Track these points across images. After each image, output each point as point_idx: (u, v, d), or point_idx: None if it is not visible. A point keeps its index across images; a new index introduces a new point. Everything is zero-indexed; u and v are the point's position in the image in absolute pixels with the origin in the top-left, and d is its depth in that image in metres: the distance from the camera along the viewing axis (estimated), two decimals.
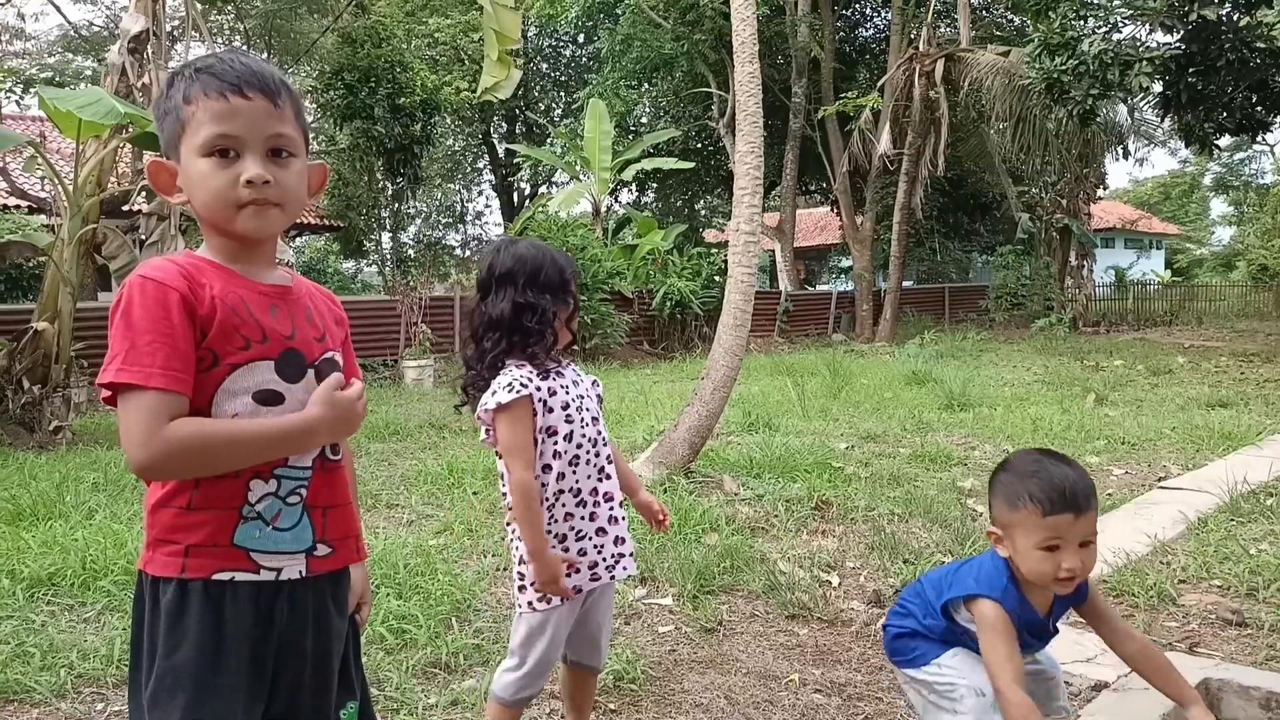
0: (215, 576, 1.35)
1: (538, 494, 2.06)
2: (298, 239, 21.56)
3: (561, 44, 29.14)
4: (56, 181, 8.06)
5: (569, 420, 2.11)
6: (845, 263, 29.93)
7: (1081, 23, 12.83)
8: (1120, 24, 13.14)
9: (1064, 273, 22.46)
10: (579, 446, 2.13)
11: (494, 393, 2.05)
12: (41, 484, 5.66)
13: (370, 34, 17.80)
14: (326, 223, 19.65)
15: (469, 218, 35.64)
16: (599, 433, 2.20)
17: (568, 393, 2.13)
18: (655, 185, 26.64)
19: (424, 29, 21.74)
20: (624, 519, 2.23)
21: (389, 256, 20.75)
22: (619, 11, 21.85)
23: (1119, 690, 2.71)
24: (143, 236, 8.55)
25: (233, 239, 1.44)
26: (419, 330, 13.71)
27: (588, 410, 2.18)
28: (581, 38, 27.58)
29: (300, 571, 1.41)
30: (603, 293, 15.08)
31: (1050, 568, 1.83)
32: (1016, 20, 21.40)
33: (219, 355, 1.36)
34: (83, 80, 24.30)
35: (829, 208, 26.92)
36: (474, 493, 5.28)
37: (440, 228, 33.78)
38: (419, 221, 30.01)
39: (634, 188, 26.39)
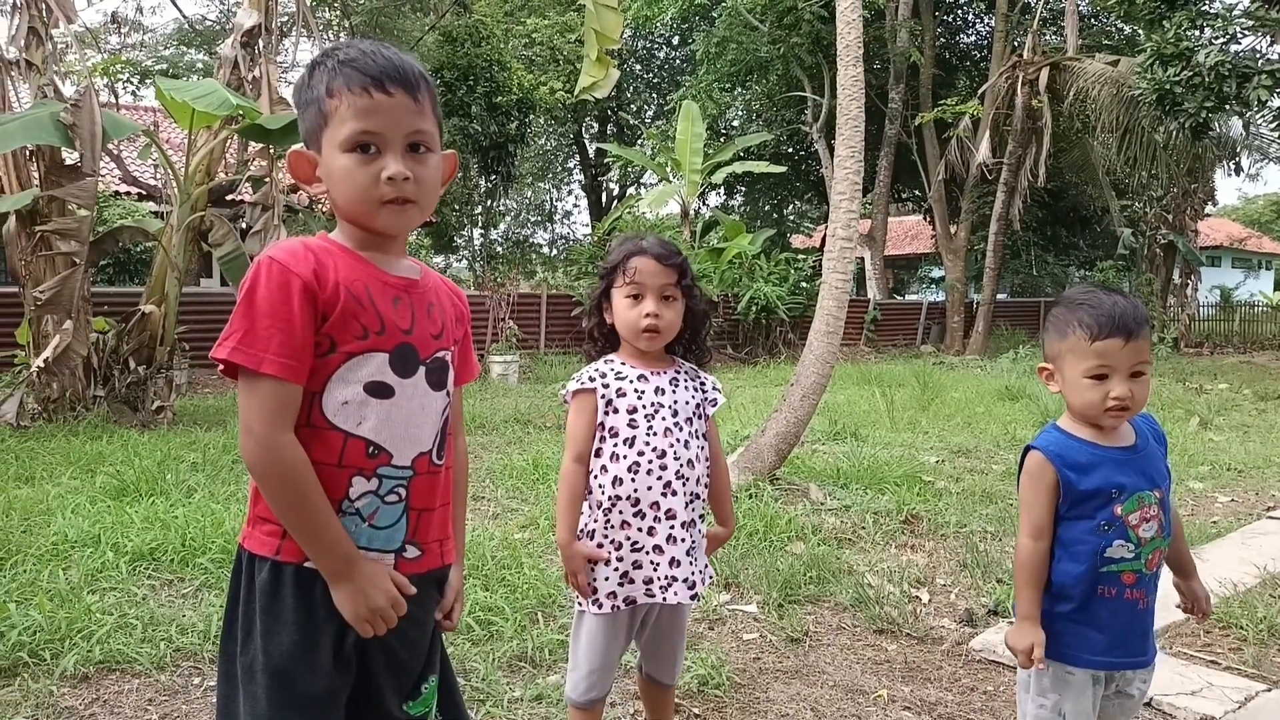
0: (307, 564, 1.36)
1: (578, 486, 2.07)
2: None
3: (656, 45, 29.24)
4: (168, 169, 8.43)
5: (633, 425, 2.05)
6: (936, 273, 29.29)
7: (1197, 33, 12.29)
8: (1239, 35, 12.55)
9: (1166, 291, 21.55)
10: (640, 454, 2.04)
11: (572, 380, 2.13)
12: (144, 461, 5.92)
13: (470, 33, 18.14)
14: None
15: (558, 217, 36.11)
16: (672, 445, 2.06)
17: (641, 397, 2.07)
18: (744, 189, 26.51)
19: (522, 29, 22.07)
20: (687, 540, 2.08)
21: (479, 253, 21.12)
22: (715, 14, 21.82)
23: None
24: (246, 225, 8.89)
25: (370, 232, 1.44)
26: (506, 326, 13.92)
27: (664, 420, 2.07)
28: (676, 39, 27.63)
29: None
30: None
31: (1099, 396, 1.74)
32: (1127, 29, 20.60)
33: (336, 342, 1.36)
34: (195, 73, 25.37)
35: (922, 216, 26.40)
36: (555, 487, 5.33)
37: (529, 226, 34.29)
38: (509, 219, 30.52)
39: (723, 191, 26.30)
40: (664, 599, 2.06)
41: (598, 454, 2.07)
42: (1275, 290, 36.77)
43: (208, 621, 3.15)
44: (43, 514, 4.45)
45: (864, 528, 4.57)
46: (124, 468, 5.71)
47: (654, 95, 29.69)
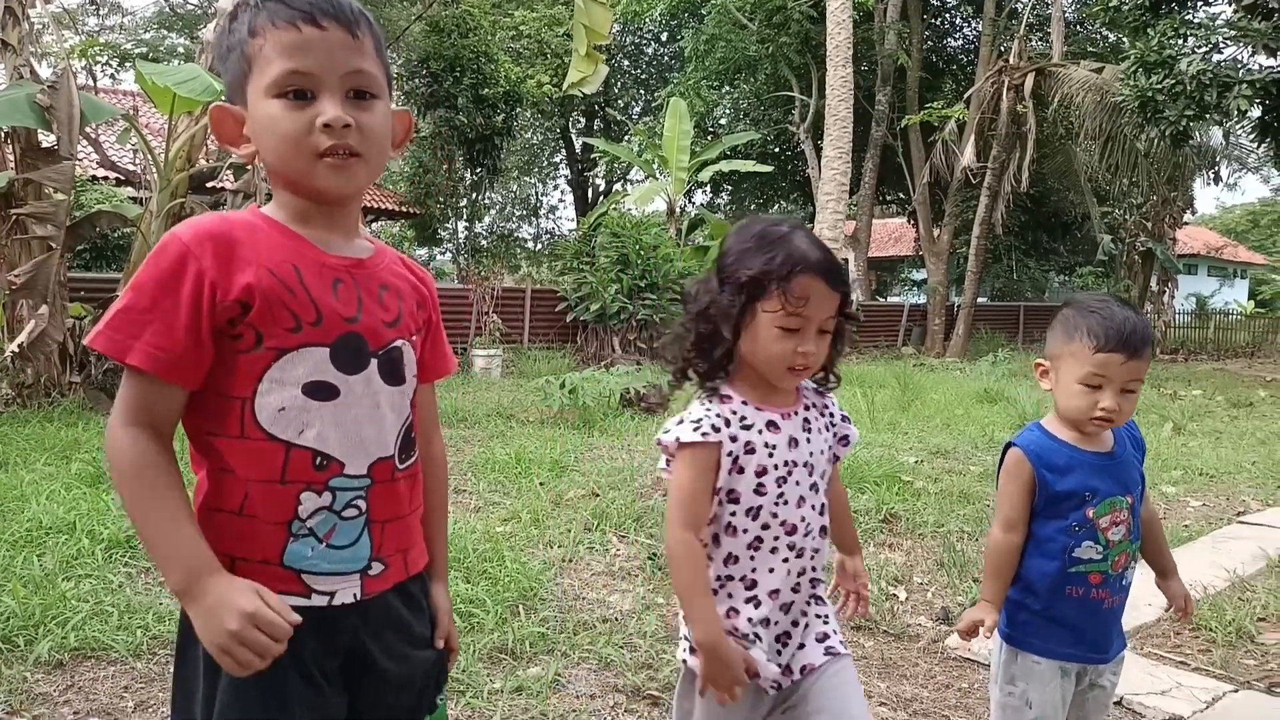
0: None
1: (698, 558, 1.55)
2: (374, 223, 22.02)
3: (644, 41, 29.23)
4: (148, 155, 8.35)
5: (760, 491, 1.57)
6: (918, 275, 29.46)
7: (1181, 41, 12.45)
8: (1221, 45, 12.71)
9: (1144, 297, 21.78)
10: (765, 528, 1.58)
11: (681, 421, 1.58)
12: None
13: (457, 24, 18.05)
14: (404, 209, 20.05)
15: (543, 211, 36.04)
16: (804, 517, 1.60)
17: (773, 454, 1.57)
18: (729, 188, 26.56)
19: (509, 21, 21.98)
20: (823, 616, 1.68)
21: (464, 246, 21.05)
22: (704, 11, 21.82)
23: None
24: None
25: (308, 196, 1.23)
26: (490, 320, 13.88)
27: (798, 484, 1.59)
28: (665, 36, 27.63)
29: (355, 595, 1.22)
30: (673, 293, 15.04)
31: (1087, 404, 1.79)
32: (1112, 37, 20.80)
33: (262, 335, 1.16)
34: (175, 57, 25.13)
35: (905, 219, 26.53)
36: (540, 483, 5.34)
37: (514, 220, 34.21)
38: (493, 212, 30.43)
39: (708, 189, 26.34)
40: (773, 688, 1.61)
41: (714, 522, 1.59)
42: (1249, 299, 37.24)
43: None
44: (16, 500, 4.40)
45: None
46: (99, 455, 5.66)
47: (641, 91, 29.70)
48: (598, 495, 5.07)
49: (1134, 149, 16.00)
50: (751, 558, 1.59)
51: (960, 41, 25.41)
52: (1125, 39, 14.50)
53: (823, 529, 1.65)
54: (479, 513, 4.79)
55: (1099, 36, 22.56)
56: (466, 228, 21.10)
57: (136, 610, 3.16)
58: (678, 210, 18.41)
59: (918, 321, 20.88)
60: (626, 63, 29.42)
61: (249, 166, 8.64)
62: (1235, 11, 12.29)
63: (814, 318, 1.54)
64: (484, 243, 23.05)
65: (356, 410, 1.22)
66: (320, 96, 1.19)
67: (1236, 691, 2.87)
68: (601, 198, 27.72)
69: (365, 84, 1.22)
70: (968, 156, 17.61)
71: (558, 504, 4.90)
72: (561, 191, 35.79)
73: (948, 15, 24.84)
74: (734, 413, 1.58)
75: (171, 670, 1.29)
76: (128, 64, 24.50)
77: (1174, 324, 22.96)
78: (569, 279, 15.12)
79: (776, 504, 1.58)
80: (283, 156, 1.20)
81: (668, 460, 1.61)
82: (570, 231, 31.68)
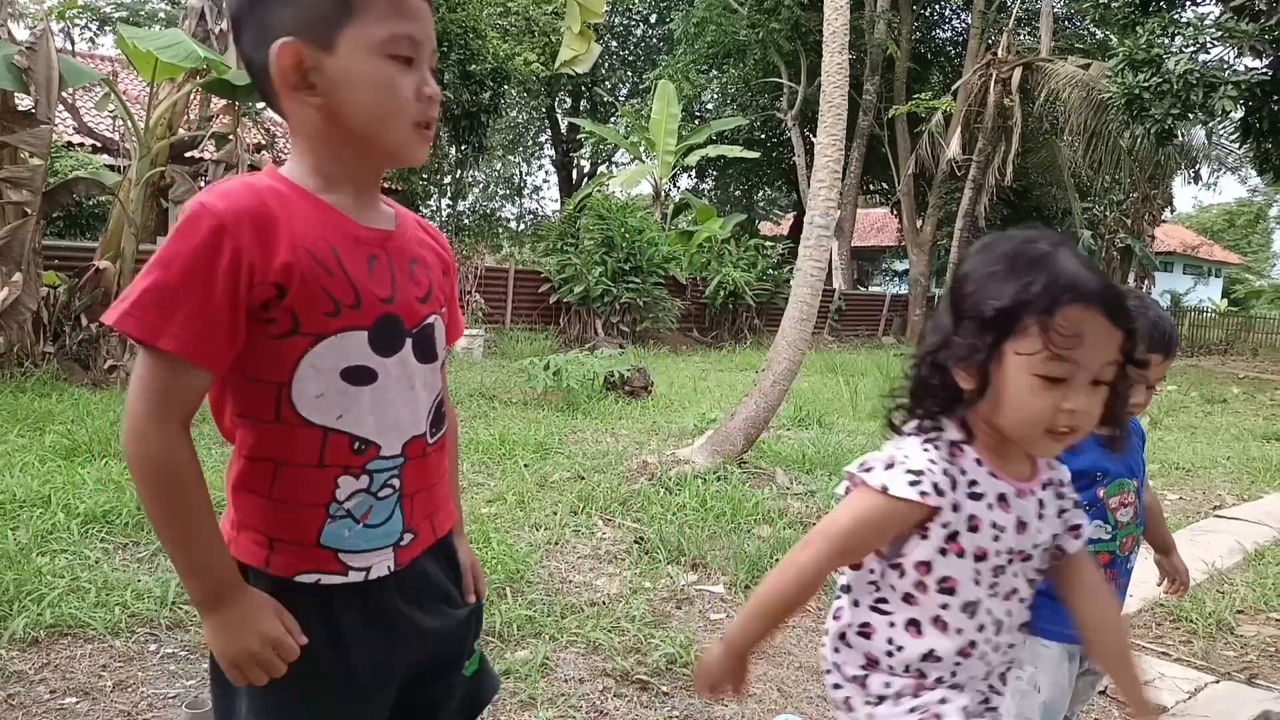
0: (297, 579, 1.15)
1: (807, 594, 1.32)
2: None
3: (633, 22, 29.04)
4: (128, 121, 8.19)
5: (977, 580, 1.28)
6: (900, 266, 29.58)
7: (1169, 40, 12.51)
8: (1209, 45, 12.78)
9: None
10: (980, 629, 1.30)
11: (892, 465, 1.26)
12: (97, 421, 5.78)
13: None
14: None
15: (527, 191, 35.81)
16: (1009, 612, 1.33)
17: (999, 538, 1.27)
18: (715, 173, 26.49)
19: None
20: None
21: (447, 224, 20.86)
22: None
23: (1177, 716, 2.67)
24: (209, 183, 8.68)
25: (380, 162, 1.20)
26: (472, 300, 13.79)
27: (1014, 575, 1.31)
28: (654, 18, 27.45)
29: (389, 567, 1.21)
30: (657, 276, 15.05)
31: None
32: (1100, 34, 20.87)
33: (299, 321, 1.10)
34: (157, 22, 24.66)
35: (889, 209, 26.59)
36: (525, 465, 5.30)
37: (498, 199, 33.97)
38: (477, 191, 30.19)
39: (694, 174, 26.26)
40: None
41: (909, 600, 1.30)
42: (1223, 298, 37.70)
43: (165, 587, 3.07)
44: None
45: (828, 513, 4.59)
46: (75, 427, 5.56)
47: (629, 73, 29.53)
48: (583, 479, 5.05)
49: (1117, 146, 16.10)
50: (958, 663, 1.30)
51: (949, 33, 25.45)
52: (1113, 36, 14.56)
53: (1023, 624, 1.38)
54: (463, 494, 4.74)
55: (1087, 33, 22.63)
56: (450, 205, 20.91)
57: (114, 586, 3.10)
58: (664, 194, 18.36)
59: (899, 312, 20.98)
60: (615, 44, 29.22)
61: (231, 136, 8.51)
62: (1223, 12, 12.36)
63: (1086, 363, 1.18)
64: (467, 221, 22.87)
65: (393, 392, 1.19)
66: (419, 66, 1.15)
67: (1218, 682, 2.90)
68: (586, 179, 27.58)
69: (434, 61, 1.20)
70: (953, 148, 17.66)
71: (543, 486, 4.87)
72: (546, 172, 35.66)
73: (937, 7, 24.84)
74: (964, 473, 1.26)
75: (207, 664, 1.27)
76: (107, 27, 24.03)
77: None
78: (553, 260, 15.06)
79: (990, 595, 1.30)
80: (383, 118, 1.13)
81: (847, 489, 1.32)
82: (554, 212, 31.52)
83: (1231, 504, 5.65)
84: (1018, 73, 17.30)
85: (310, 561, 1.16)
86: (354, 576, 1.18)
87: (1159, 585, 2.15)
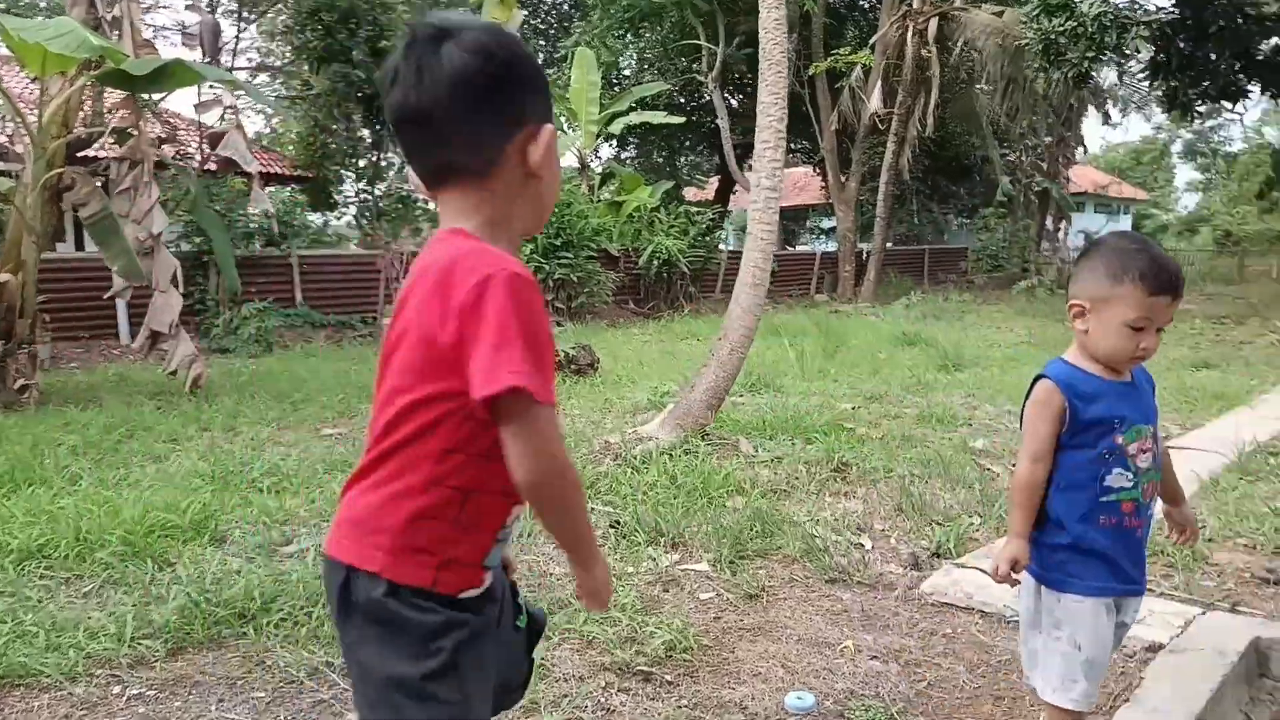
0: (461, 595, 1.29)
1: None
2: (267, 187, 20.99)
3: None
4: (18, 121, 7.67)
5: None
6: (826, 223, 29.84)
7: None
8: None
9: (1041, 235, 22.57)
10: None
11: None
12: (14, 446, 5.42)
13: None
14: (296, 173, 19.07)
15: None
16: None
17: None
18: (636, 140, 26.22)
19: None
20: None
21: (369, 207, 20.24)
22: None
23: (1174, 651, 2.68)
24: (110, 182, 8.17)
25: (526, 236, 1.41)
26: (400, 287, 13.43)
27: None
28: None
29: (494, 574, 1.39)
30: (589, 250, 14.85)
31: (1132, 345, 1.80)
32: None
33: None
34: (39, 12, 23.26)
35: (812, 168, 26.72)
36: None
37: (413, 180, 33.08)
38: (392, 174, 29.37)
39: (614, 143, 25.97)
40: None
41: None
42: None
43: (121, 624, 2.85)
44: None
45: (798, 478, 4.55)
46: None
47: (543, 41, 28.95)
48: None
49: (1033, 91, 16.40)
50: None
51: None
52: None
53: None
54: None
55: None
56: (366, 191, 20.29)
57: (64, 627, 2.86)
58: (588, 165, 18.10)
59: (829, 269, 21.15)
60: (526, 12, 28.60)
61: (133, 131, 8.03)
62: None
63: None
64: (384, 205, 22.20)
65: None
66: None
67: (1204, 613, 2.93)
68: None
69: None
70: (874, 102, 17.78)
71: None
72: None
73: None
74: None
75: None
76: None
77: (1068, 260, 23.83)
78: None
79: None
80: (553, 200, 1.38)
81: None
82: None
83: (1178, 434, 5.79)
84: (934, 23, 17.44)
85: (473, 579, 1.30)
86: (484, 586, 1.34)
87: (1166, 536, 2.12)
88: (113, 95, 8.54)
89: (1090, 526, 1.82)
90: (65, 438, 5.79)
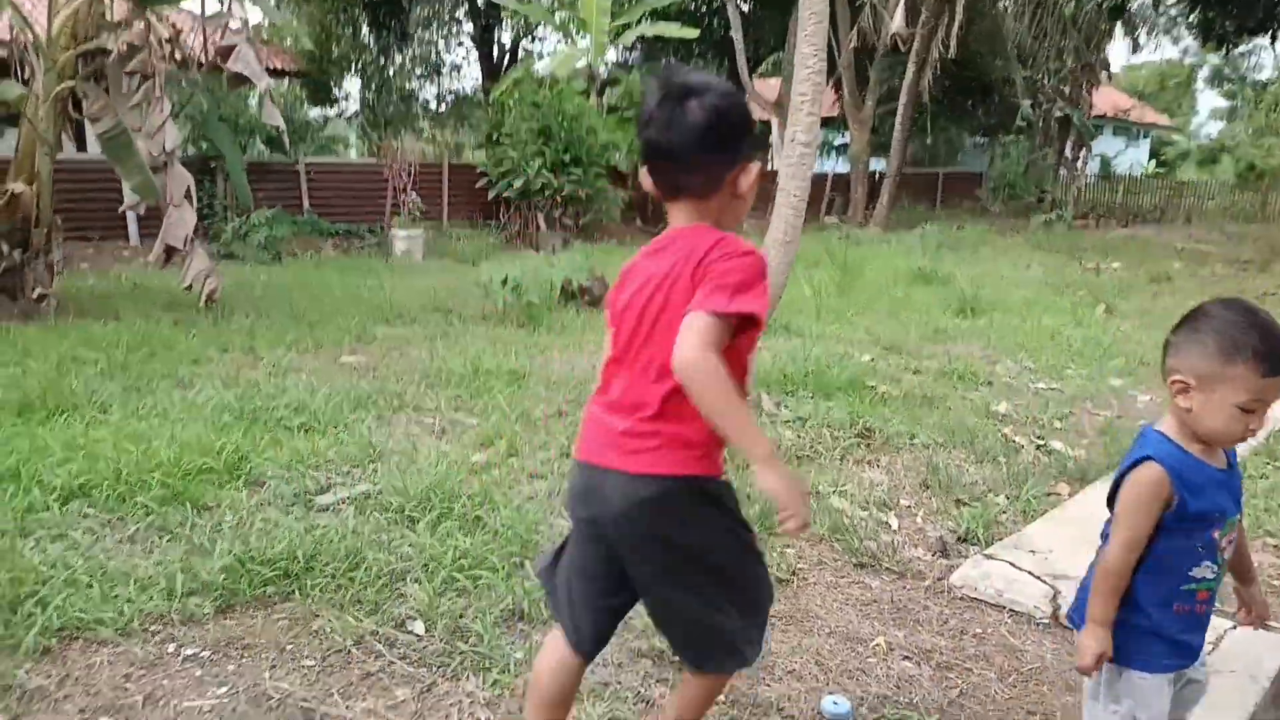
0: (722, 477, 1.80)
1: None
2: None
3: None
4: (27, 31, 7.41)
5: None
6: (837, 141, 29.23)
7: None
8: None
9: (1060, 162, 22.18)
10: None
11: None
12: (40, 364, 5.44)
13: None
14: (297, 70, 18.55)
15: (445, 70, 33.97)
16: None
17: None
18: (642, 48, 25.43)
19: None
20: None
21: (370, 109, 19.77)
22: None
23: (1210, 670, 2.72)
24: (122, 95, 7.93)
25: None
26: (408, 199, 13.23)
27: None
28: None
29: None
30: (599, 167, 14.59)
31: (1241, 427, 1.71)
32: None
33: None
34: None
35: (830, 85, 26.01)
36: (502, 397, 5.15)
37: (415, 79, 32.23)
38: (393, 73, 28.54)
39: (620, 49, 25.19)
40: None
41: None
42: (1150, 159, 38.30)
43: (171, 578, 2.90)
44: None
45: (821, 443, 4.58)
46: (16, 371, 5.23)
47: None
48: (564, 414, 4.93)
49: (1061, 15, 15.86)
50: None
51: None
52: None
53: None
54: (445, 436, 4.60)
55: None
56: (374, 94, 19.77)
57: (113, 577, 2.91)
58: (599, 77, 17.60)
59: (841, 191, 20.85)
60: None
61: (143, 45, 7.76)
62: None
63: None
64: (390, 109, 21.64)
65: None
66: None
67: (1235, 629, 2.95)
68: (508, 56, 26.32)
69: None
70: (896, 22, 17.21)
71: (526, 423, 4.75)
72: (465, 49, 33.75)
73: None
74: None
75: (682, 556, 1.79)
76: None
77: (1086, 188, 23.49)
78: (487, 154, 14.44)
79: None
80: (747, 210, 1.82)
81: None
82: (474, 90, 30.06)
83: None
84: None
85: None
86: None
87: (1235, 614, 2.06)
88: (121, 6, 8.23)
89: (1166, 613, 1.79)
90: (89, 355, 5.81)
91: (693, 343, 1.56)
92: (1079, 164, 23.05)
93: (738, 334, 1.64)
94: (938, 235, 15.26)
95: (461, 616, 2.80)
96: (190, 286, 7.85)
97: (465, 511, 3.46)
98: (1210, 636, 2.85)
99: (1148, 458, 1.75)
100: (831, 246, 13.22)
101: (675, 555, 1.79)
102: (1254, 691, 2.56)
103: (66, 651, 2.60)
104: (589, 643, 1.95)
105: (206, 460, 3.82)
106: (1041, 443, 4.86)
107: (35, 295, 7.47)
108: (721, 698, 2.50)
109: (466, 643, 2.68)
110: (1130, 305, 9.61)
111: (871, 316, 8.34)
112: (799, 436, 4.65)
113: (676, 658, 2.30)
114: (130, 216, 11.89)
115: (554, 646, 1.98)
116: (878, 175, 20.66)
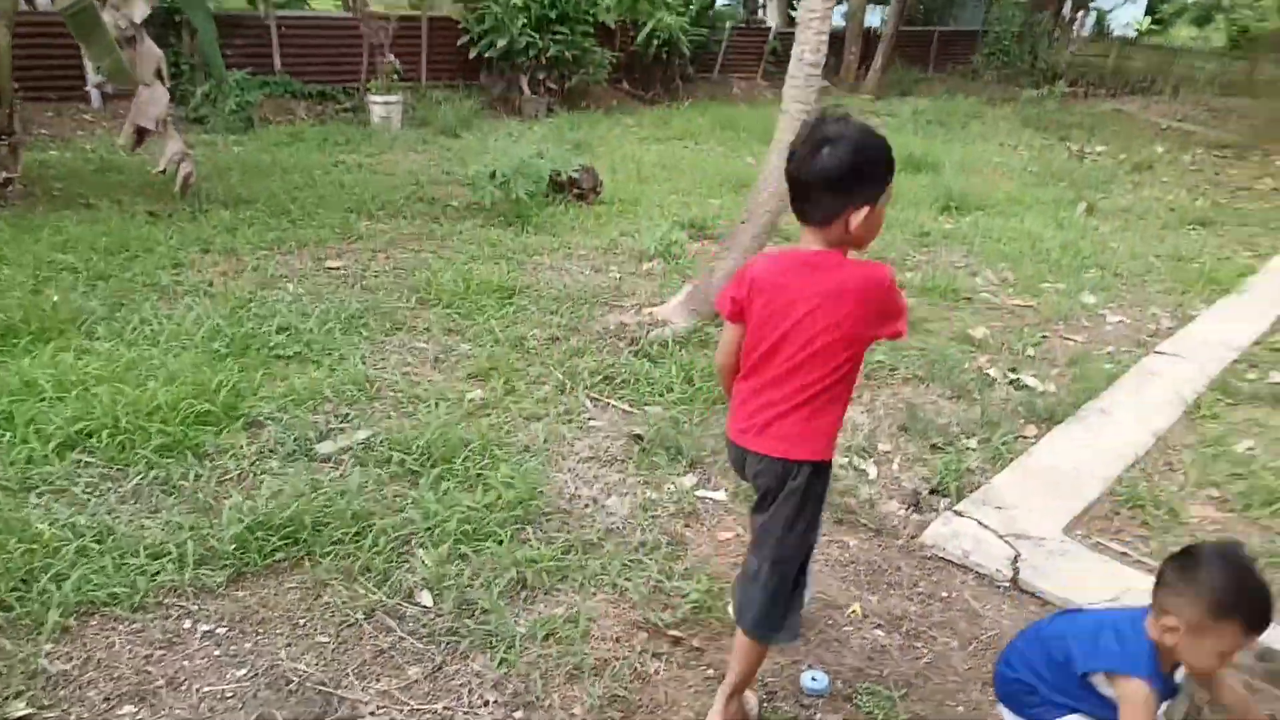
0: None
1: None
2: None
3: None
4: None
5: None
6: None
7: None
8: None
9: (1056, 24, 21.48)
10: None
11: None
12: (14, 271, 5.36)
13: None
14: None
15: None
16: None
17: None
18: None
19: None
20: None
21: None
22: None
23: None
24: None
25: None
26: (386, 61, 12.67)
27: None
28: None
29: None
30: (585, 24, 13.97)
31: (1218, 664, 2.00)
32: None
33: None
34: None
35: None
36: (494, 320, 5.20)
37: None
38: None
39: None
40: None
41: None
42: (1145, 15, 36.96)
43: (183, 546, 3.01)
44: None
45: None
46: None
47: None
48: (558, 339, 5.01)
49: None
50: None
51: None
52: None
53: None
54: (439, 365, 4.68)
55: None
56: None
57: (124, 545, 3.01)
58: None
59: (834, 50, 20.13)
60: None
61: None
62: None
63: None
64: None
65: None
66: None
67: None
68: None
69: None
70: None
71: (521, 351, 4.83)
72: None
73: None
74: None
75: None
76: None
77: (1078, 53, 22.85)
78: (467, 7, 13.74)
79: None
80: (868, 243, 2.18)
81: None
82: None
83: (1167, 327, 5.96)
84: None
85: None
86: None
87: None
88: None
89: None
90: (65, 258, 5.73)
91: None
92: (1075, 26, 22.30)
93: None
94: (929, 110, 14.95)
95: (468, 586, 2.97)
96: (164, 170, 7.64)
97: (466, 468, 3.58)
98: (1116, 589, 3.12)
99: (1135, 676, 1.99)
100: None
101: (788, 517, 2.26)
102: None
103: (84, 630, 2.69)
104: None
105: (203, 405, 3.85)
106: (1015, 376, 5.02)
107: (0, 180, 7.26)
108: (710, 671, 2.73)
109: (473, 618, 2.84)
110: (1111, 203, 9.63)
111: None
112: None
113: None
114: (89, 76, 11.37)
115: None
116: (873, 32, 19.97)
